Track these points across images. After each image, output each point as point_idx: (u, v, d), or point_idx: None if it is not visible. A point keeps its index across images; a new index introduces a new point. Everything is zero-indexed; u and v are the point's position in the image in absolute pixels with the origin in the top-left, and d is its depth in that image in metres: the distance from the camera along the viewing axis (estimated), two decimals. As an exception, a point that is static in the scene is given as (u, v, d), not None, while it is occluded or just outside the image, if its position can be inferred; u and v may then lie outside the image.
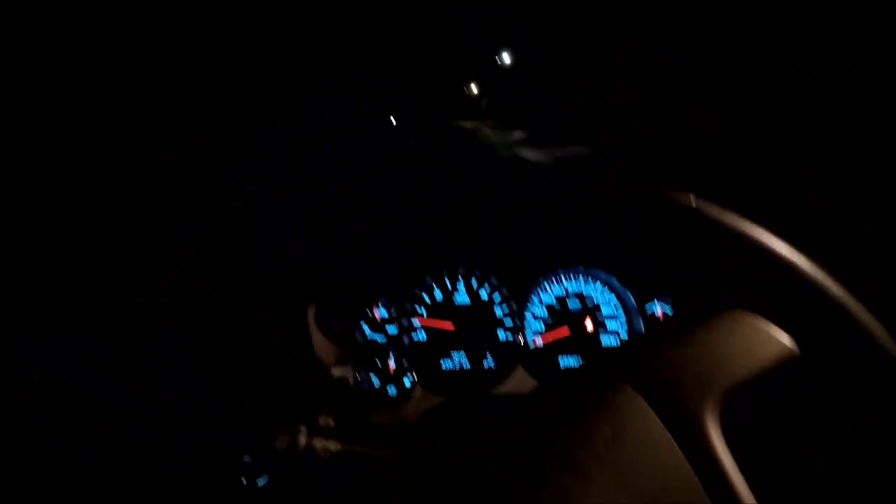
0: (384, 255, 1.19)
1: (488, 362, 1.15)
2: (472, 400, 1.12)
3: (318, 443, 0.81)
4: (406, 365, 1.15)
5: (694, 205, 0.60)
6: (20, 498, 0.86)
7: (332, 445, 0.82)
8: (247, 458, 0.98)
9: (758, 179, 0.96)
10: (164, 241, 1.07)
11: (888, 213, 0.88)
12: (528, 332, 1.15)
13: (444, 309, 1.18)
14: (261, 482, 0.98)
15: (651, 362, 0.55)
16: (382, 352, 1.17)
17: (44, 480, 0.88)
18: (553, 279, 1.16)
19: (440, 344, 1.17)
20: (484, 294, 1.17)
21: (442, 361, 1.16)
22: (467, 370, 1.16)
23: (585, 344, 1.14)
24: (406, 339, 1.16)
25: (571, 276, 1.16)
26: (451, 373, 1.16)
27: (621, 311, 1.13)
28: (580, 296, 1.16)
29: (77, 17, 0.88)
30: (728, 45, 1.10)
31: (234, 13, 1.01)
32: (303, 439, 0.81)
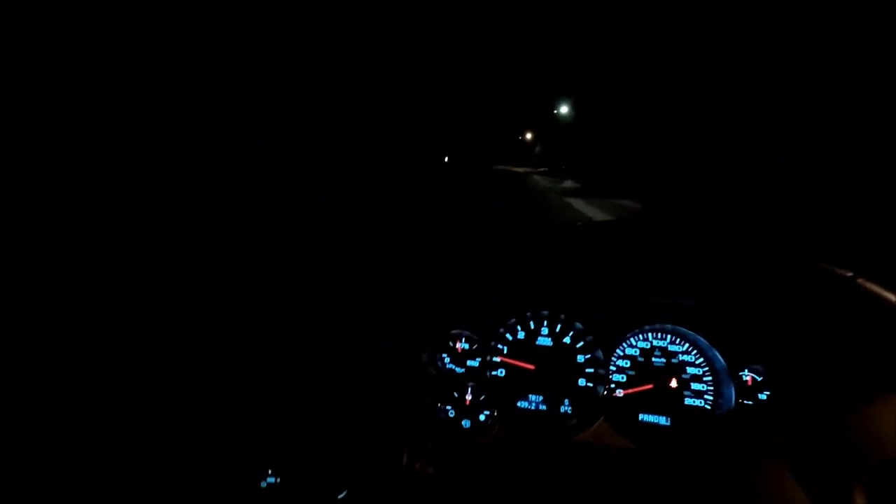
0: (474, 289, 1.22)
1: (565, 407, 1.15)
2: (550, 444, 1.11)
3: (419, 465, 0.83)
4: (482, 399, 1.16)
5: (858, 281, 0.60)
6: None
7: (431, 469, 0.83)
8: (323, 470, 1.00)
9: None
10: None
11: None
12: (611, 383, 1.14)
13: (526, 349, 1.19)
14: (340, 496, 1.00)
15: (795, 435, 0.55)
16: (460, 384, 1.18)
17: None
18: (640, 334, 1.16)
19: (518, 383, 1.18)
20: (567, 339, 1.18)
21: (519, 401, 1.17)
22: (543, 412, 1.16)
23: (668, 401, 1.12)
24: (485, 374, 1.18)
25: (659, 332, 1.16)
26: (526, 413, 1.16)
27: (709, 373, 1.12)
28: (666, 352, 1.15)
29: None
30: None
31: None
32: (405, 459, 0.83)
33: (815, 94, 1.12)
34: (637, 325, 1.15)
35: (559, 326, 1.19)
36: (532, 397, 1.17)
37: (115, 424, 0.92)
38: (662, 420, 1.12)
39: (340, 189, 1.32)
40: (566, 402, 1.15)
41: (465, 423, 1.16)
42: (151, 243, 1.02)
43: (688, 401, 1.12)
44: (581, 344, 1.17)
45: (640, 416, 1.13)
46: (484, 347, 1.20)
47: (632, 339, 1.17)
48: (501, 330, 1.21)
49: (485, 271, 1.23)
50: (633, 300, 1.17)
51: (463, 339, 1.22)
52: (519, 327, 1.21)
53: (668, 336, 1.16)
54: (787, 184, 1.18)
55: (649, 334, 1.16)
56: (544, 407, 1.16)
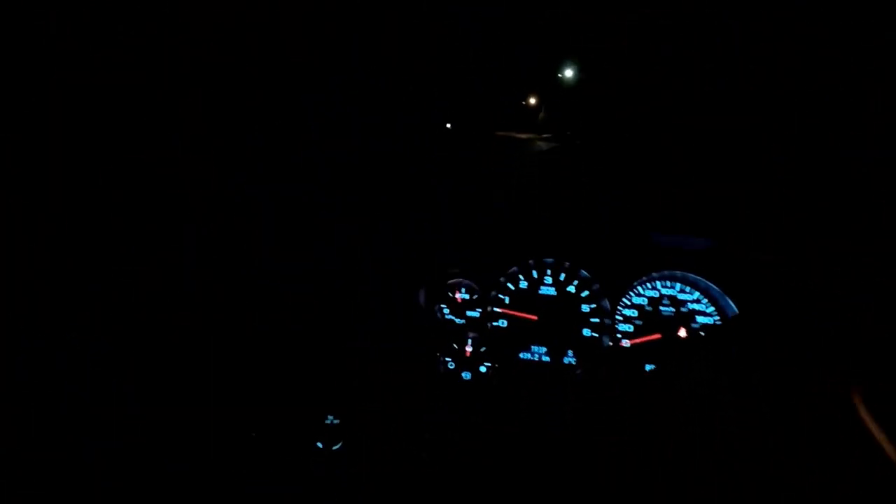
0: (473, 237, 1.16)
1: (568, 358, 1.10)
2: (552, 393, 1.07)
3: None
4: (483, 351, 1.12)
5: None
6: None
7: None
8: (328, 421, 0.97)
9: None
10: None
11: None
12: (617, 333, 1.10)
13: (529, 299, 1.14)
14: (335, 447, 0.96)
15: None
16: (460, 335, 1.13)
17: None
18: (648, 282, 1.11)
19: (521, 334, 1.13)
20: (572, 288, 1.13)
21: (521, 353, 1.12)
22: (546, 363, 1.11)
23: (677, 352, 1.08)
24: (486, 325, 1.13)
25: (668, 279, 1.10)
26: (528, 364, 1.12)
27: (719, 318, 1.07)
28: (675, 300, 1.10)
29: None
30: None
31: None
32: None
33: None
34: (645, 273, 1.10)
35: (563, 275, 1.14)
36: (535, 348, 1.12)
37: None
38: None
39: (340, 166, 1.27)
40: (570, 353, 1.11)
41: (466, 375, 1.11)
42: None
43: (697, 350, 1.07)
44: (586, 293, 1.12)
45: (647, 367, 1.08)
46: (485, 297, 1.15)
47: (639, 288, 1.11)
48: (503, 279, 1.15)
49: (485, 218, 1.16)
50: (641, 245, 1.11)
51: (463, 289, 1.17)
52: (521, 276, 1.15)
53: (678, 284, 1.10)
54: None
55: (657, 282, 1.11)
56: (547, 358, 1.11)
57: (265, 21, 1.02)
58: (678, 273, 1.10)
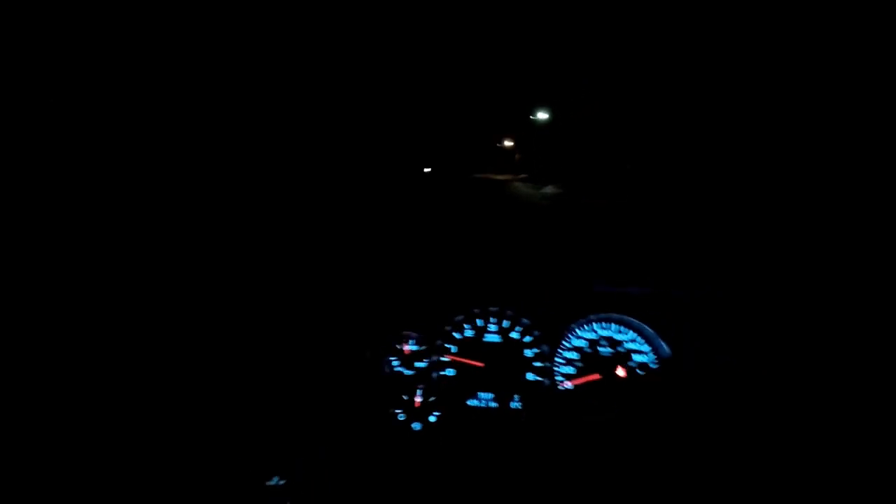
0: (418, 290, 1.20)
1: (515, 403, 1.14)
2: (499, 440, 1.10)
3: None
4: (432, 401, 1.14)
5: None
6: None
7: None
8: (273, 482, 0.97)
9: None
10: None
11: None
12: (557, 376, 1.14)
13: (475, 347, 1.18)
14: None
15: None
16: (409, 386, 1.16)
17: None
18: (585, 324, 1.16)
19: (468, 382, 1.16)
20: (515, 334, 1.17)
21: (469, 400, 1.15)
22: (493, 409, 1.14)
23: (617, 391, 1.12)
24: (434, 375, 1.16)
25: (604, 321, 1.16)
26: (477, 411, 1.14)
27: (656, 361, 1.12)
28: (612, 341, 1.15)
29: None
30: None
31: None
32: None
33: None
34: (582, 315, 1.15)
35: (507, 322, 1.18)
36: (482, 395, 1.15)
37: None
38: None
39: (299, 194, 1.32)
40: (516, 397, 1.14)
41: (416, 426, 1.13)
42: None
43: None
44: (529, 339, 1.17)
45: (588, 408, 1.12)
46: (432, 348, 1.18)
47: (578, 331, 1.16)
48: (449, 328, 1.19)
49: (430, 271, 1.21)
50: (578, 291, 1.17)
51: (411, 341, 1.20)
52: (467, 325, 1.20)
53: (614, 325, 1.16)
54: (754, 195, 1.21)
55: (595, 324, 1.16)
56: (495, 404, 1.14)
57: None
58: (614, 315, 1.15)
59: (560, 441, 1.09)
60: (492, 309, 1.20)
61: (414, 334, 1.20)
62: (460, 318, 1.20)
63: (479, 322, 1.20)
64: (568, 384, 1.13)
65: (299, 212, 1.34)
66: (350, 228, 1.34)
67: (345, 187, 1.47)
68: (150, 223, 1.08)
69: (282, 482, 0.98)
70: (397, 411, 1.15)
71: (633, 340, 1.15)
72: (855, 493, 0.92)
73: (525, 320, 1.17)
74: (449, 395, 1.15)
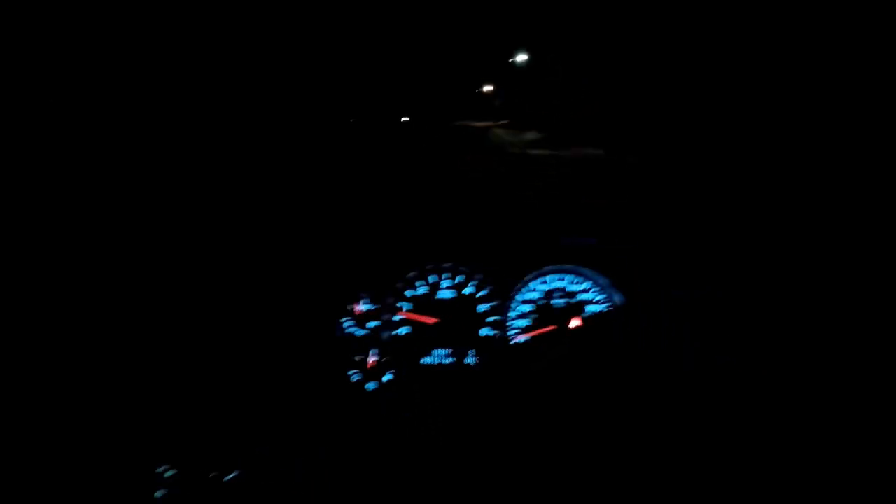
0: (369, 249, 1.16)
1: (470, 359, 1.12)
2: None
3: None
4: (386, 360, 1.12)
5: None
6: None
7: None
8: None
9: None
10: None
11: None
12: (512, 329, 1.12)
13: (428, 304, 1.15)
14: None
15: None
16: (363, 347, 1.13)
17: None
18: (539, 276, 1.14)
19: (422, 339, 1.14)
20: (468, 290, 1.15)
21: (423, 358, 1.13)
22: (448, 365, 1.13)
23: (574, 341, 1.12)
24: (387, 334, 1.13)
25: (558, 272, 1.14)
26: (431, 368, 1.13)
27: (608, 306, 1.12)
28: (565, 293, 1.14)
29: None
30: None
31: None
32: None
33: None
34: (536, 268, 1.13)
35: (460, 277, 1.16)
36: (436, 352, 1.13)
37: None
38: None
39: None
40: (471, 353, 1.13)
41: (370, 386, 1.11)
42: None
43: (590, 338, 1.11)
44: (483, 293, 1.14)
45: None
46: (384, 306, 1.15)
47: (532, 284, 1.15)
48: (401, 285, 1.16)
49: (381, 227, 1.16)
50: (532, 243, 1.14)
51: (363, 301, 1.16)
52: (420, 282, 1.16)
53: (568, 276, 1.14)
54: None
55: (549, 276, 1.15)
56: (449, 360, 1.13)
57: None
58: (568, 266, 1.14)
59: (516, 394, 1.09)
60: (445, 265, 1.16)
61: (367, 294, 1.16)
62: (413, 274, 1.16)
63: (432, 278, 1.16)
64: (523, 336, 1.12)
65: (249, 168, 1.26)
66: (301, 183, 1.27)
67: (302, 138, 1.39)
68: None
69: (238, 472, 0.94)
70: (351, 373, 1.12)
71: (586, 291, 1.14)
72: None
73: (479, 275, 1.14)
74: (403, 353, 1.13)
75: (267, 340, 1.10)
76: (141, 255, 1.07)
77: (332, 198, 1.25)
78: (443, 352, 1.13)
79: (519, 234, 1.17)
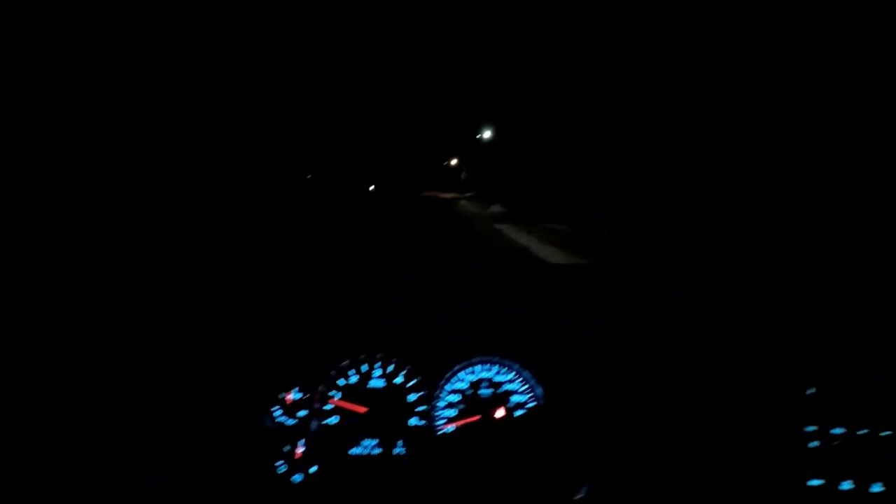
0: (300, 339, 1.18)
1: (398, 449, 1.15)
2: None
3: None
4: (314, 451, 1.13)
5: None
6: None
7: None
8: None
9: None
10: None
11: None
12: (440, 419, 1.16)
13: (359, 393, 1.17)
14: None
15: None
16: (291, 437, 1.14)
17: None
18: (469, 367, 1.19)
19: (351, 429, 1.15)
20: (399, 380, 1.18)
21: (351, 449, 1.15)
22: (376, 456, 1.14)
23: (496, 431, 1.16)
24: (315, 424, 1.14)
25: (487, 363, 1.19)
26: (359, 459, 1.14)
27: (533, 399, 1.17)
28: (492, 382, 1.19)
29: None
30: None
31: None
32: None
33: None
34: (465, 358, 1.18)
35: (391, 367, 1.19)
36: (365, 442, 1.15)
37: None
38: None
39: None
40: (399, 443, 1.15)
41: (296, 478, 1.11)
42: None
43: (514, 429, 1.16)
44: (412, 382, 1.18)
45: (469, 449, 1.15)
46: (316, 395, 1.16)
47: (461, 374, 1.19)
48: (334, 374, 1.18)
49: (312, 317, 1.19)
50: (460, 334, 1.19)
51: (294, 389, 1.18)
52: (352, 371, 1.19)
53: (496, 367, 1.20)
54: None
55: (477, 366, 1.19)
56: (378, 451, 1.15)
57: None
58: (496, 357, 1.19)
59: (442, 484, 1.11)
60: (378, 355, 1.19)
61: (298, 382, 1.17)
62: (346, 363, 1.19)
63: (364, 368, 1.19)
64: (449, 426, 1.16)
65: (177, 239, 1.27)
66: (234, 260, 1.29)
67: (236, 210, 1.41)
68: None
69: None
70: (278, 464, 1.12)
71: (512, 381, 1.19)
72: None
73: (409, 365, 1.18)
74: (331, 444, 1.14)
75: (192, 429, 1.10)
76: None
77: (271, 273, 1.27)
78: (371, 442, 1.15)
79: (450, 323, 1.22)
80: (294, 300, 1.22)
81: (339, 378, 1.18)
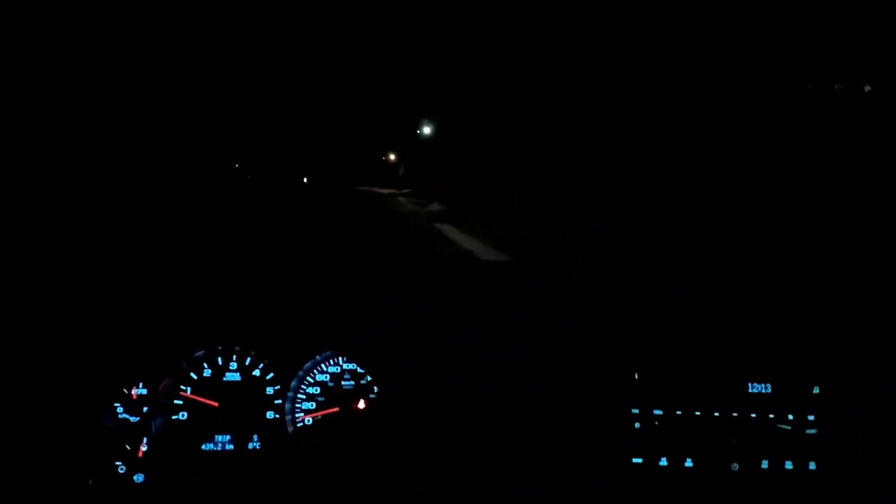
0: (147, 331, 1.11)
1: (253, 444, 1.12)
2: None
3: None
4: (160, 448, 1.07)
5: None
6: None
7: None
8: None
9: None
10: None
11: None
12: (297, 412, 1.14)
13: (212, 386, 1.13)
14: None
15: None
16: (134, 435, 1.08)
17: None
18: (331, 358, 1.18)
19: (203, 424, 1.11)
20: (257, 372, 1.15)
21: (203, 444, 1.10)
22: (230, 451, 1.11)
23: (356, 423, 1.16)
24: (159, 421, 1.09)
25: (346, 356, 1.19)
26: (212, 455, 1.10)
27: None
28: (355, 374, 1.19)
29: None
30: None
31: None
32: None
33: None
34: (323, 350, 1.17)
35: (249, 360, 1.15)
36: (218, 438, 1.11)
37: None
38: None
39: None
40: (255, 438, 1.12)
41: (138, 478, 1.06)
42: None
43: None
44: (271, 376, 1.15)
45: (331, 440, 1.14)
46: (165, 389, 1.11)
47: (322, 365, 1.18)
48: (185, 366, 1.12)
49: (160, 305, 1.13)
50: (317, 326, 1.18)
51: (140, 384, 1.11)
52: (205, 364, 1.14)
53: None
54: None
55: (340, 358, 1.19)
56: (231, 446, 1.11)
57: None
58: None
59: (298, 477, 1.10)
60: (235, 347, 1.15)
61: (143, 376, 1.11)
62: (199, 355, 1.14)
63: (219, 360, 1.15)
64: (307, 419, 1.14)
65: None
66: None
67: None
68: None
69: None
70: (118, 463, 1.06)
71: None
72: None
73: (267, 358, 1.15)
74: (180, 440, 1.09)
75: (26, 427, 1.01)
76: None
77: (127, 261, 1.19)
78: (225, 437, 1.11)
79: (310, 314, 1.20)
80: (143, 288, 1.15)
81: (190, 371, 1.13)
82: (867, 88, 1.12)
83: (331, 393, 1.17)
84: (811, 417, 1.05)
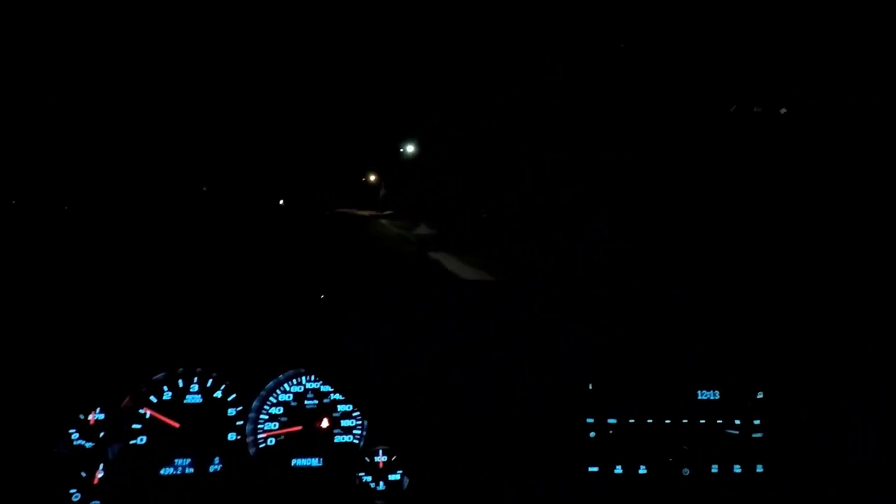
0: (105, 354, 1.10)
1: (214, 466, 1.11)
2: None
3: None
4: (116, 474, 1.06)
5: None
6: None
7: None
8: None
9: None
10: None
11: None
12: (259, 433, 1.14)
13: (172, 408, 1.12)
14: None
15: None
16: (90, 461, 1.06)
17: None
18: (295, 377, 1.18)
19: (162, 448, 1.10)
20: (218, 394, 1.14)
21: (162, 469, 1.09)
22: (190, 475, 1.10)
23: (319, 442, 1.16)
24: (116, 447, 1.07)
25: (312, 374, 1.19)
26: (171, 479, 1.09)
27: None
28: (318, 393, 1.19)
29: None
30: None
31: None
32: None
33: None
34: (286, 369, 1.17)
35: (210, 381, 1.15)
36: (178, 461, 1.10)
37: None
38: (315, 462, 1.15)
39: None
40: (216, 460, 1.11)
41: (94, 505, 1.03)
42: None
43: (337, 438, 1.17)
44: (233, 397, 1.15)
45: (293, 462, 1.14)
46: (123, 413, 1.09)
47: (286, 385, 1.18)
48: (144, 390, 1.11)
49: (117, 328, 1.12)
50: (280, 346, 1.18)
51: (97, 409, 1.09)
52: (165, 386, 1.13)
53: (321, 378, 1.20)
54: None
55: (303, 378, 1.19)
56: (192, 470, 1.10)
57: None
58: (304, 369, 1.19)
59: (259, 499, 1.09)
60: (197, 369, 1.15)
61: (101, 401, 1.09)
62: (159, 377, 1.13)
63: (180, 383, 1.14)
64: (271, 441, 1.14)
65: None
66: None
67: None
68: None
69: None
70: (72, 491, 1.03)
71: (336, 391, 1.20)
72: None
73: (229, 379, 1.15)
74: (138, 466, 1.07)
75: None
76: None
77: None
78: (185, 461, 1.10)
79: (272, 334, 1.20)
80: (102, 309, 1.14)
81: (150, 395, 1.12)
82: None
83: (294, 412, 1.17)
84: (757, 422, 1.10)
